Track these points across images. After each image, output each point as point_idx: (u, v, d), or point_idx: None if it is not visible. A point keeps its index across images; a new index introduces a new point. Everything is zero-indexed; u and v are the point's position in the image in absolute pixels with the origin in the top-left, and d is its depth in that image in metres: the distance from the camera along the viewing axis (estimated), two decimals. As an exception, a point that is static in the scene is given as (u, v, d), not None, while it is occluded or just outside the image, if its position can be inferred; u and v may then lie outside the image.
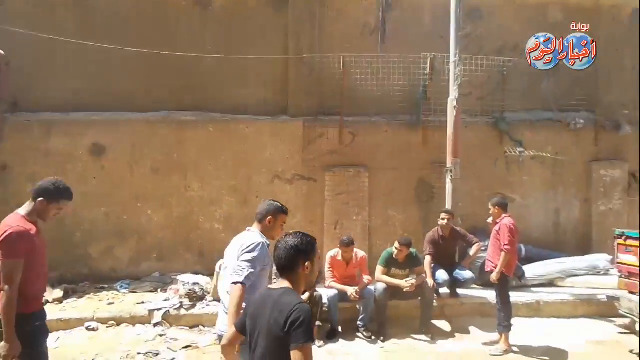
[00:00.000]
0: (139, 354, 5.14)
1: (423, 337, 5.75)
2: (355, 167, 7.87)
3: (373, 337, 5.71)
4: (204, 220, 7.82)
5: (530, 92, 8.35)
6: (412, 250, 5.96)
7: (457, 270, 6.37)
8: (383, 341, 5.64)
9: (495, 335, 5.54)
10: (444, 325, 6.16)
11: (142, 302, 6.35)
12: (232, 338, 2.47)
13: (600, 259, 7.31)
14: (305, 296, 5.32)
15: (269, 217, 3.20)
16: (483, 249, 6.28)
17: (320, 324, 5.76)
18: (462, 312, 6.38)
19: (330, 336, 5.69)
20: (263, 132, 7.87)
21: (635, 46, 8.24)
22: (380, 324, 5.82)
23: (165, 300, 6.35)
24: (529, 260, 7.36)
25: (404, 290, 5.73)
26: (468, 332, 5.97)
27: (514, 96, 8.25)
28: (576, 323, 6.31)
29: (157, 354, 5.16)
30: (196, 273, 7.00)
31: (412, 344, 5.64)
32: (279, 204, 3.29)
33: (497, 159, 8.18)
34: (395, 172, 7.94)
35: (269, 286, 2.39)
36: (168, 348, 5.34)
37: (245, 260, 2.96)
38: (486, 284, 6.19)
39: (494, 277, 5.35)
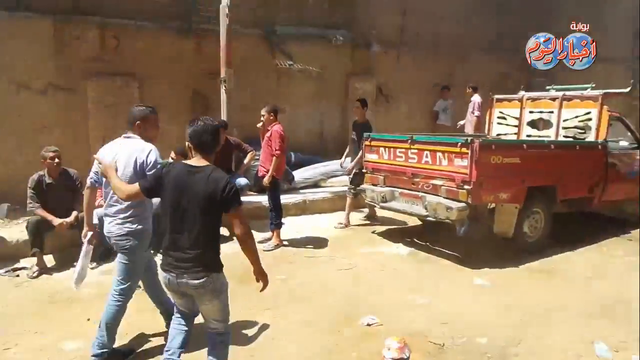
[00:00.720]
0: None
1: (203, 243, 5.95)
2: (123, 76, 7.19)
3: (152, 251, 5.64)
4: None
5: (299, 7, 8.74)
6: (188, 161, 5.93)
7: (233, 178, 6.64)
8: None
9: (268, 234, 6.10)
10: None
11: None
12: (133, 193, 2.82)
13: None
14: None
15: (138, 122, 3.26)
16: (257, 157, 6.64)
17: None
18: (240, 217, 6.78)
19: (103, 257, 5.41)
20: (-3, 30, 6.43)
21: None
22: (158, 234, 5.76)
23: None
24: (298, 165, 8.15)
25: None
26: (245, 234, 6.42)
27: (284, 10, 8.51)
28: (334, 216, 7.38)
29: None
30: None
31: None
32: (142, 106, 3.36)
33: (269, 71, 8.50)
34: (168, 82, 7.56)
35: (188, 162, 2.68)
36: None
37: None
38: (260, 190, 6.66)
39: (265, 180, 5.78)
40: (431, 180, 5.46)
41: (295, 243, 6.09)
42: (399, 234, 6.61)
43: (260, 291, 2.79)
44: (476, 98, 8.98)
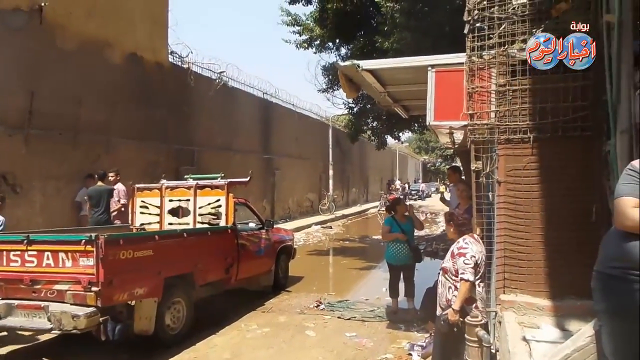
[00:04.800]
0: None
1: None
2: None
3: None
4: None
5: None
6: None
7: None
8: None
9: None
10: None
11: None
12: None
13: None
14: None
15: None
16: None
17: None
18: None
19: None
20: None
21: None
22: None
23: None
24: None
25: None
26: None
27: None
28: None
29: None
30: None
31: None
32: None
33: None
34: None
35: None
36: None
37: None
38: None
39: None
40: (55, 285, 4.69)
41: None
42: (27, 354, 5.35)
43: None
44: (120, 186, 8.63)
